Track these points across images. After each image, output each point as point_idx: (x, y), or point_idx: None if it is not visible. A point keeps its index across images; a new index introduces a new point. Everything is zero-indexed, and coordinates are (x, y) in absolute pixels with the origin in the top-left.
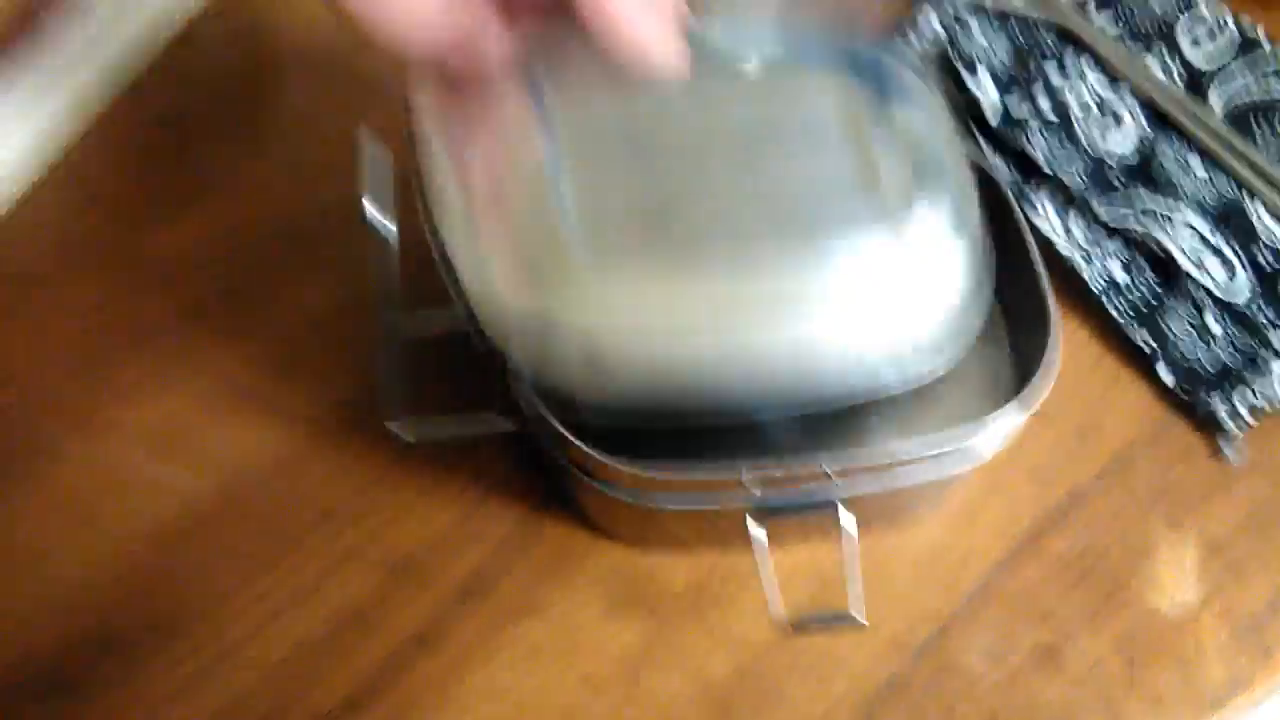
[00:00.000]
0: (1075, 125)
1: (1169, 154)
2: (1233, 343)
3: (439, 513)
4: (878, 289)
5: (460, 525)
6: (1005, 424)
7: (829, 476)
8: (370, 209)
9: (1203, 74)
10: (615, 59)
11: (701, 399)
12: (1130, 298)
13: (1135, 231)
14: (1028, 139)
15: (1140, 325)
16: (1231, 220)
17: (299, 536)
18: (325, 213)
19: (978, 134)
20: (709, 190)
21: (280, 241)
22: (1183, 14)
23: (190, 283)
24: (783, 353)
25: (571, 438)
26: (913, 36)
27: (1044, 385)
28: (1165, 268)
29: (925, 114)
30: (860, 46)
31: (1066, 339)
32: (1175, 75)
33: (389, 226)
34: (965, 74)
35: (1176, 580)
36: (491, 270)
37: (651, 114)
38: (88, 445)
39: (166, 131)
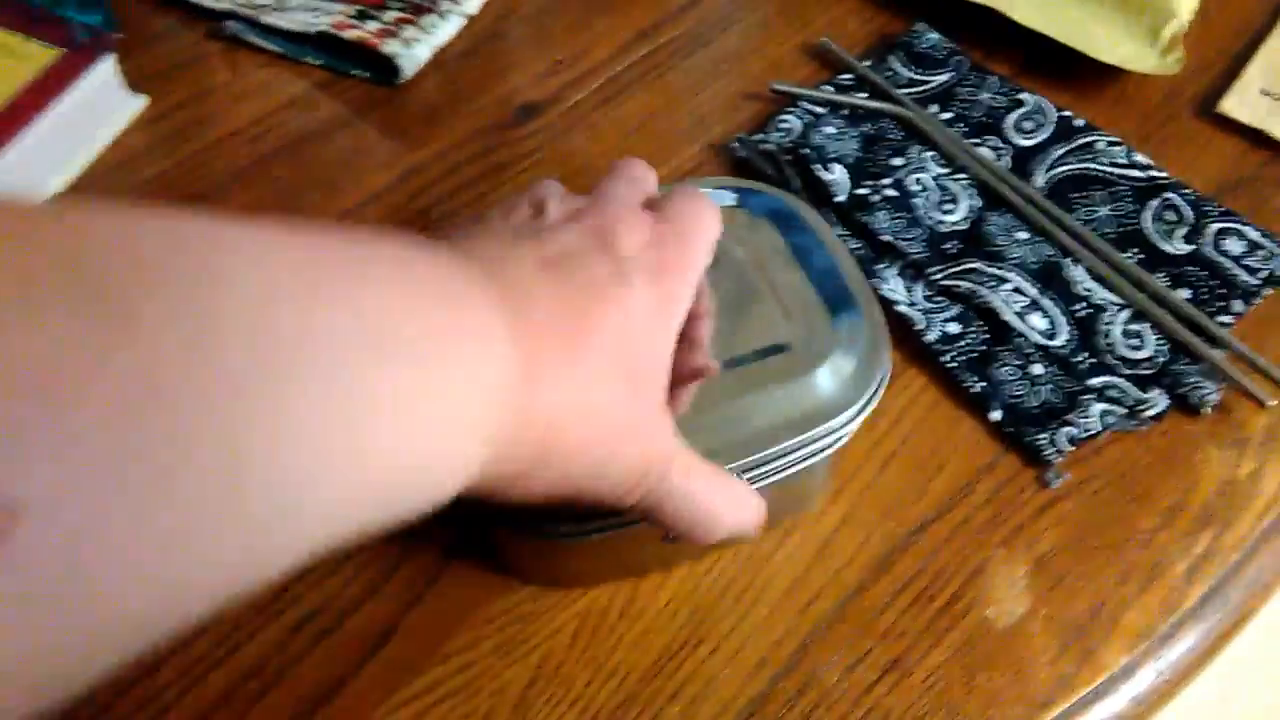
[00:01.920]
0: (916, 204)
1: (997, 224)
2: (1054, 384)
3: (344, 563)
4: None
5: (363, 575)
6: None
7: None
8: None
9: (1028, 154)
10: None
11: None
12: (963, 348)
13: (966, 291)
14: (874, 218)
15: (972, 373)
16: (1052, 279)
17: None
18: None
19: (830, 215)
20: None
21: None
22: (1011, 107)
23: None
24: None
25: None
26: (773, 132)
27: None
28: (996, 323)
29: (821, 243)
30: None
31: (909, 388)
32: (1005, 158)
33: None
34: (816, 163)
35: (1008, 594)
36: None
37: None
38: None
39: None
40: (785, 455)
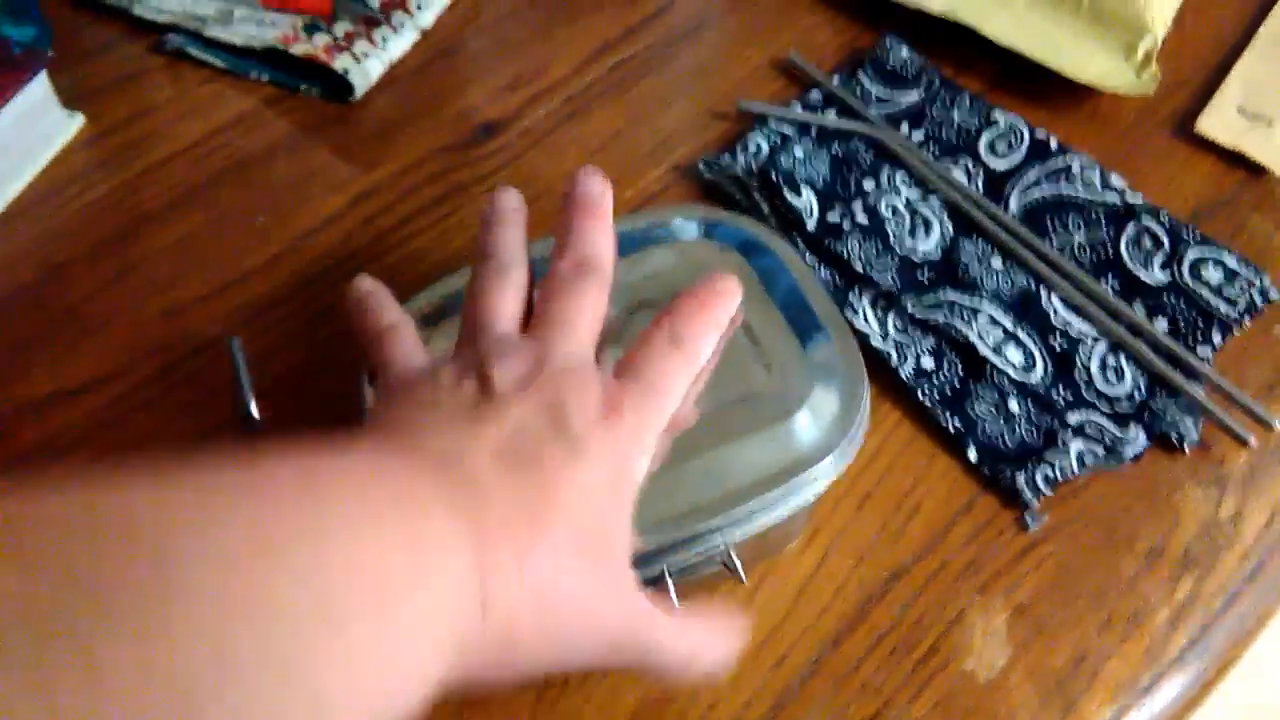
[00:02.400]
0: (888, 231)
1: (971, 252)
2: (1031, 421)
3: None
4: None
5: None
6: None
7: (719, 531)
8: (250, 405)
9: (1002, 178)
10: None
11: None
12: (938, 384)
13: (941, 324)
14: (845, 244)
15: (948, 409)
16: (1027, 310)
17: None
18: (198, 349)
19: (801, 243)
20: None
21: (154, 381)
22: (983, 126)
23: (72, 412)
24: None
25: None
26: (740, 154)
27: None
28: (970, 355)
29: (791, 275)
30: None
31: (884, 424)
32: (978, 181)
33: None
34: (785, 188)
35: (987, 644)
36: None
37: None
38: None
39: (38, 271)
40: (767, 510)
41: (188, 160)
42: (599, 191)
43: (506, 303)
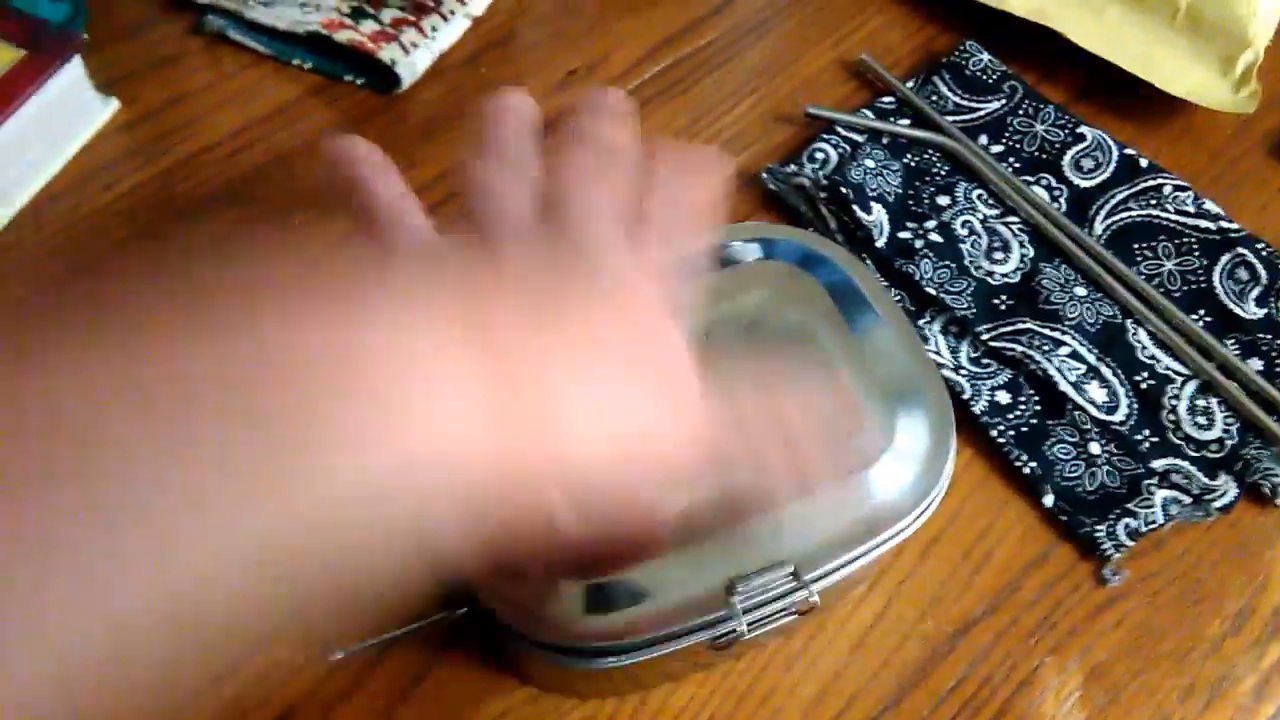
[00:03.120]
0: (963, 252)
1: (1053, 277)
2: (1114, 466)
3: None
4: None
5: (354, 673)
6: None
7: (797, 577)
8: None
9: (1087, 198)
10: None
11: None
12: (1015, 421)
13: (1019, 355)
14: (916, 267)
15: (1024, 449)
16: (1113, 343)
17: None
18: None
19: (870, 261)
20: None
21: None
22: (1068, 140)
23: None
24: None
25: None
26: (807, 163)
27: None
28: (1049, 391)
29: (882, 318)
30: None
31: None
32: (1062, 200)
33: None
34: (855, 202)
35: (1060, 709)
36: None
37: None
38: None
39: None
40: (845, 566)
41: (225, 151)
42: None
43: (522, 198)
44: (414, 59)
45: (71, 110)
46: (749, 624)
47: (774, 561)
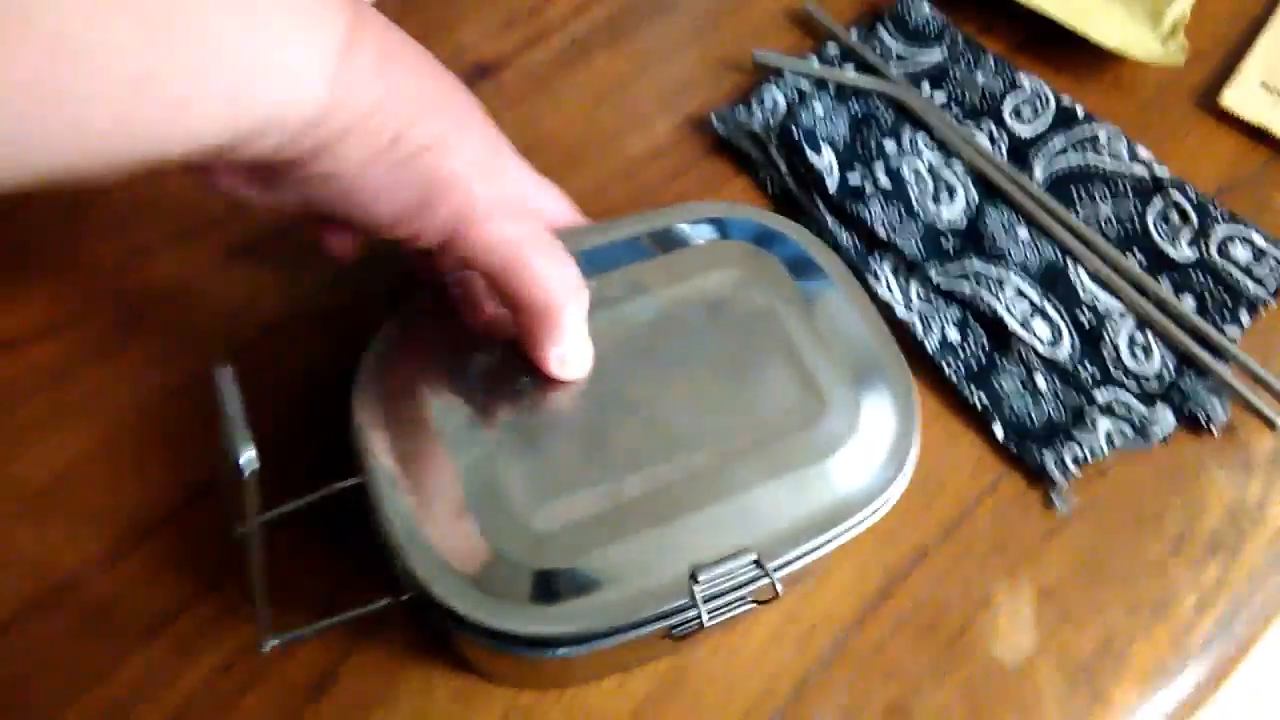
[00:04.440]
0: (910, 194)
1: (997, 220)
2: (1059, 398)
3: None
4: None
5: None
6: (895, 490)
7: (760, 566)
8: (238, 441)
9: (1026, 144)
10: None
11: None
12: (964, 358)
13: (967, 295)
14: (867, 209)
15: (974, 384)
16: (1056, 283)
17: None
18: (162, 297)
19: (821, 204)
20: (642, 417)
21: (116, 325)
22: (1007, 90)
23: (12, 367)
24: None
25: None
26: (755, 109)
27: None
28: (997, 329)
29: (843, 297)
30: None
31: None
32: (1001, 146)
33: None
34: (806, 147)
35: (1014, 629)
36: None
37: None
38: None
39: None
40: (808, 555)
41: None
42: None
43: None
44: None
45: None
46: (709, 612)
47: (736, 549)
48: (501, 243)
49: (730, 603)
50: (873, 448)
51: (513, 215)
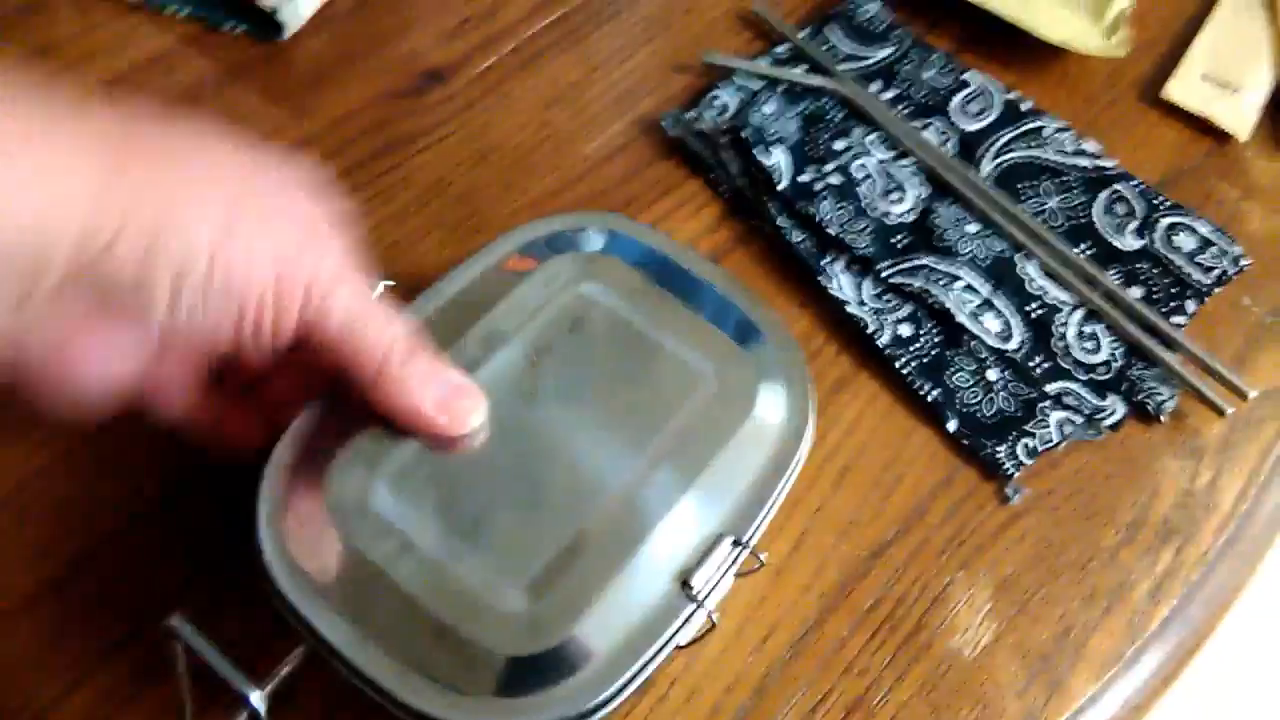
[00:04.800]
0: (861, 192)
1: (946, 216)
2: (1010, 391)
3: None
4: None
5: None
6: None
7: (741, 543)
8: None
9: (974, 140)
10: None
11: None
12: (917, 353)
13: (918, 290)
14: (818, 207)
15: (926, 379)
16: (1004, 277)
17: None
18: None
19: (772, 204)
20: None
21: None
22: (955, 87)
23: None
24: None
25: None
26: (706, 111)
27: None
28: (948, 324)
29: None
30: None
31: (860, 395)
32: (950, 143)
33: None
34: (756, 147)
35: (972, 621)
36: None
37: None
38: None
39: None
40: (773, 502)
41: (100, 104)
42: None
43: None
44: (296, 4)
45: None
46: (713, 610)
47: (709, 538)
48: (340, 310)
49: (723, 590)
50: (776, 401)
51: (337, 283)
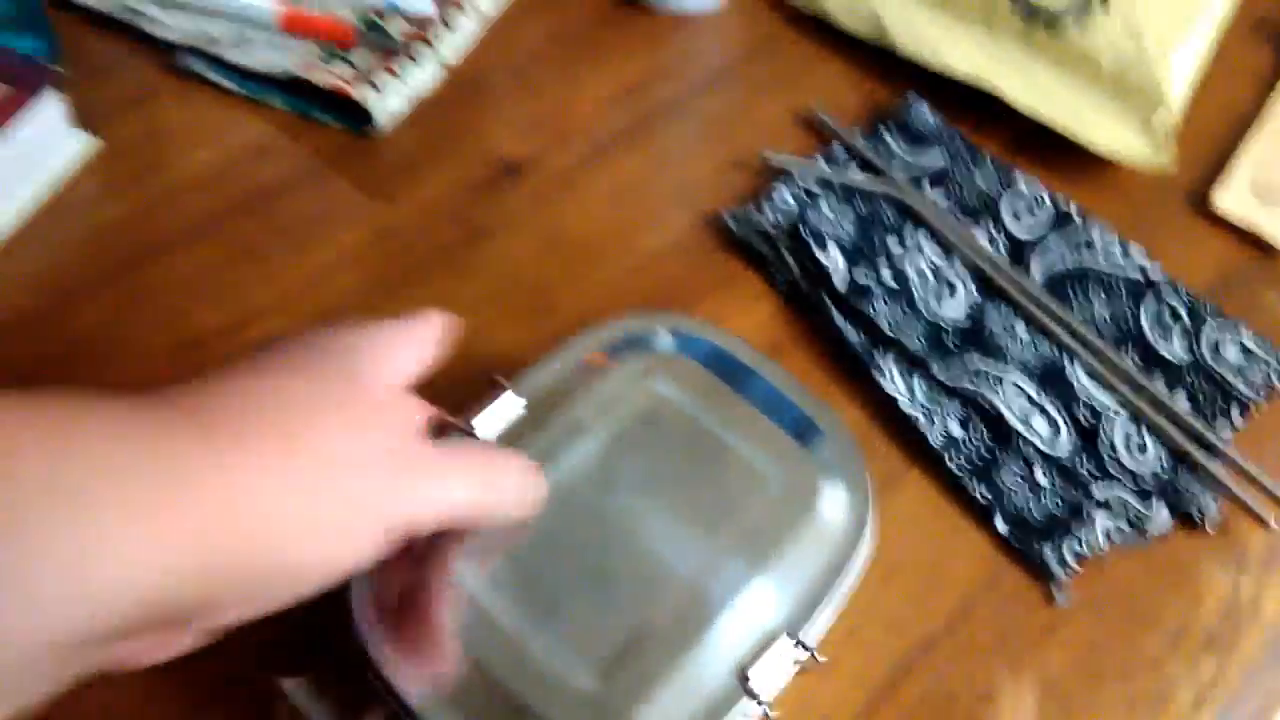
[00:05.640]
0: (914, 292)
1: (996, 319)
2: (1058, 494)
3: None
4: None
5: None
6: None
7: (797, 640)
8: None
9: (1024, 245)
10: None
11: None
12: (967, 452)
13: (969, 391)
14: (872, 306)
15: (976, 479)
16: (1053, 381)
17: None
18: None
19: (829, 301)
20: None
21: None
22: (1005, 190)
23: None
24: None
25: None
26: (766, 208)
27: None
28: (998, 425)
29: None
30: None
31: (910, 492)
32: (1000, 246)
33: None
34: (814, 245)
35: None
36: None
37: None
38: None
39: (43, 298)
40: (832, 603)
41: (203, 187)
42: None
43: None
44: (386, 98)
45: (49, 144)
46: (770, 705)
47: (768, 635)
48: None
49: (780, 685)
50: (837, 499)
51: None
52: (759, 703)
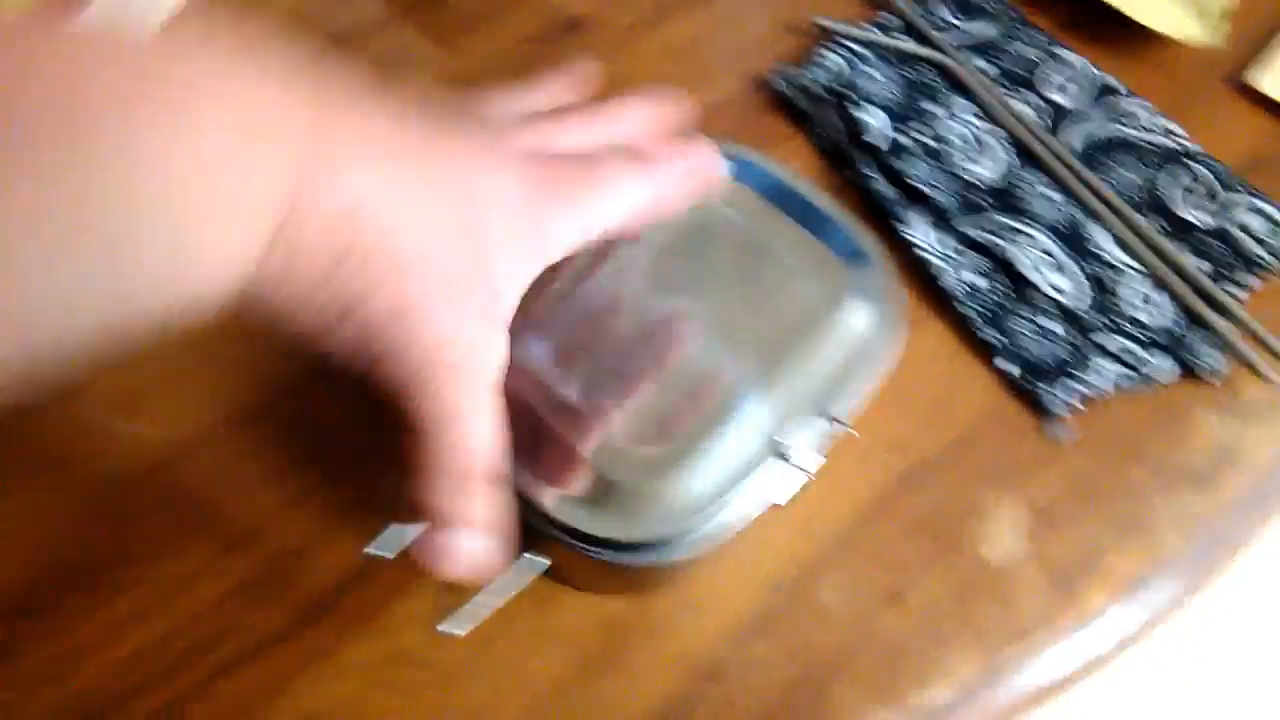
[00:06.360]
0: (952, 154)
1: (1029, 181)
2: (1069, 342)
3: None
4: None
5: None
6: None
7: (827, 416)
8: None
9: (1066, 113)
10: None
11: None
12: (984, 301)
13: (992, 243)
14: (907, 163)
15: (990, 324)
16: (1077, 241)
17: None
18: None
19: (867, 159)
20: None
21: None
22: (1054, 66)
23: None
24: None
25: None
26: (815, 69)
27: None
28: (1018, 279)
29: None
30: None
31: (929, 337)
32: (1044, 115)
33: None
34: (859, 105)
35: (1005, 536)
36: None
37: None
38: (62, 404)
39: None
40: (865, 381)
41: (283, 31)
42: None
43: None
44: None
45: None
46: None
47: (805, 413)
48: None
49: (812, 458)
50: (877, 311)
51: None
52: (792, 465)
